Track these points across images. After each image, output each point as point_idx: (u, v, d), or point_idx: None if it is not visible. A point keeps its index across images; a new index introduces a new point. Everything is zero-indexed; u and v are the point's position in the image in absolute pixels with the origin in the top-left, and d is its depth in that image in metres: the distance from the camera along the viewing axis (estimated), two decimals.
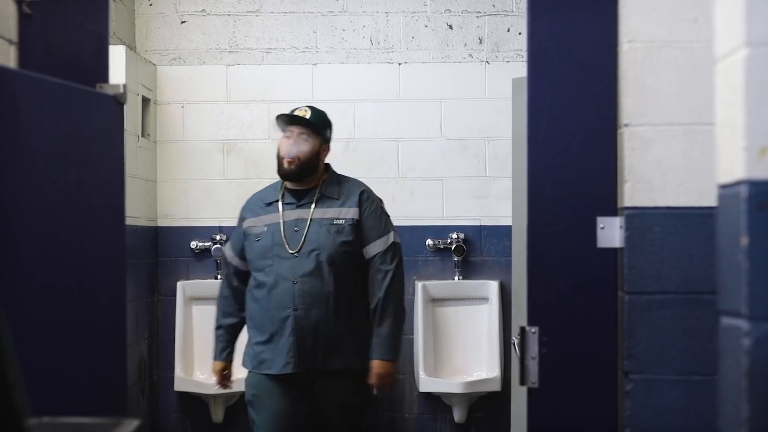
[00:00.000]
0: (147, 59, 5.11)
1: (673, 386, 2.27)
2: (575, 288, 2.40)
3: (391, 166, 5.16)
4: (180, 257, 5.17)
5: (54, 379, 2.17)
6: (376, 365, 3.51)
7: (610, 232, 2.37)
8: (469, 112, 5.14)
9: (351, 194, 3.58)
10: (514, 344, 3.16)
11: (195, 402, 5.07)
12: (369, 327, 3.55)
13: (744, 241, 1.49)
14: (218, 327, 3.72)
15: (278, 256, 3.50)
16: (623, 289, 2.31)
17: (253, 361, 3.56)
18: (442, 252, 5.13)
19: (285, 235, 3.51)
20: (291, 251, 3.49)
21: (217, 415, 5.01)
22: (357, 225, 3.53)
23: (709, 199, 2.20)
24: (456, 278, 5.10)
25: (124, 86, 2.55)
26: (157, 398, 5.16)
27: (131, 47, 5.03)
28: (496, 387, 4.87)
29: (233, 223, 3.86)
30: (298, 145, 3.54)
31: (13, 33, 2.34)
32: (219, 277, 4.93)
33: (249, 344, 3.60)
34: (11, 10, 2.33)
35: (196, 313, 5.03)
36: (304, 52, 5.21)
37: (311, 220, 3.53)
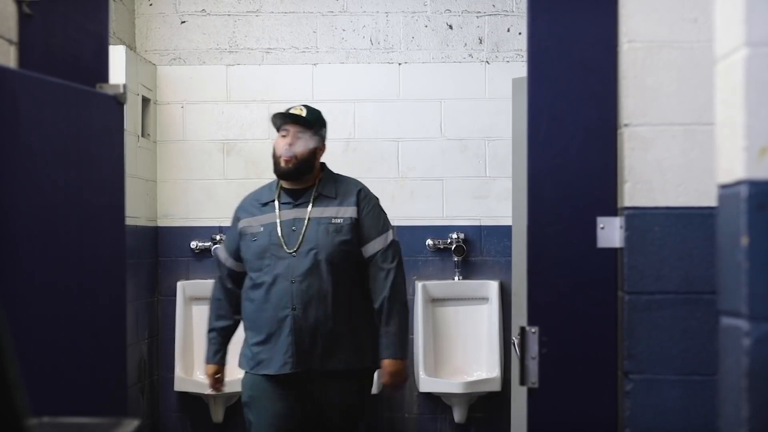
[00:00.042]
0: (147, 59, 5.11)
1: (673, 386, 2.27)
2: (575, 288, 2.40)
3: (391, 166, 5.16)
4: (180, 257, 5.17)
5: (54, 379, 2.17)
6: (388, 364, 3.50)
7: (610, 232, 2.37)
8: (469, 112, 5.14)
9: (348, 193, 3.57)
10: (514, 344, 3.16)
11: (195, 402, 5.07)
12: (368, 326, 3.54)
13: (744, 241, 1.49)
14: (211, 330, 3.68)
15: (276, 255, 3.48)
16: (623, 289, 2.31)
17: (250, 362, 3.53)
18: (442, 252, 5.13)
19: (282, 235, 3.50)
20: (289, 251, 3.47)
21: (217, 415, 5.01)
22: (355, 224, 3.52)
23: (709, 199, 2.20)
24: (456, 278, 5.10)
25: (124, 86, 2.55)
26: (157, 398, 5.16)
27: (131, 47, 5.04)
28: (496, 387, 4.87)
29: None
30: (295, 144, 3.52)
31: (13, 33, 2.34)
32: None
33: (246, 345, 3.57)
34: (11, 10, 2.33)
35: (196, 313, 5.03)
36: (304, 52, 5.21)
37: (309, 219, 3.51)
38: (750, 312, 1.48)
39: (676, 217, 2.27)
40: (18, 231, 2.06)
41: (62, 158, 2.26)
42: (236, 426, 5.05)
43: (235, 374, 3.82)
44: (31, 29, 2.38)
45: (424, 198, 5.15)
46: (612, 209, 2.38)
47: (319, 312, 3.44)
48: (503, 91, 4.94)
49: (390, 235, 3.56)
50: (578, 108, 2.41)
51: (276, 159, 3.55)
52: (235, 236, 3.63)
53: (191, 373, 4.98)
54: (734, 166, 1.54)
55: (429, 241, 5.12)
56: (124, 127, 2.67)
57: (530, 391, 2.42)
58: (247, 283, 3.57)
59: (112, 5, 3.94)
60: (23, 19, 2.36)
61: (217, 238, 5.04)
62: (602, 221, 2.38)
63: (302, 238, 3.48)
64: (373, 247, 3.52)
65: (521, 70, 3.15)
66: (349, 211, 3.53)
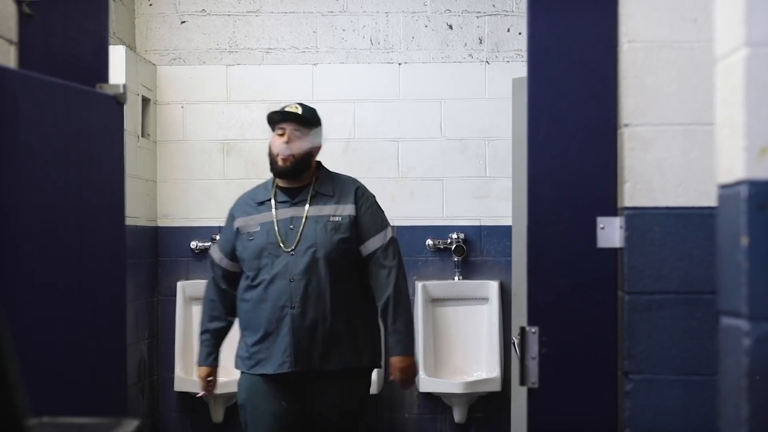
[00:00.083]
0: (147, 59, 5.11)
1: (673, 386, 2.27)
2: (575, 288, 2.40)
3: (391, 166, 5.16)
4: (180, 257, 5.17)
5: (54, 379, 2.16)
6: (399, 361, 3.51)
7: (610, 232, 2.37)
8: (469, 112, 5.14)
9: (345, 191, 3.56)
10: (514, 344, 3.16)
11: (195, 402, 5.07)
12: (367, 326, 3.53)
13: (744, 241, 1.49)
14: (204, 331, 3.64)
15: (273, 254, 3.46)
16: (623, 289, 2.31)
17: (247, 362, 3.50)
18: (442, 252, 5.13)
19: (280, 233, 3.48)
20: (287, 249, 3.45)
21: (217, 415, 5.01)
22: (354, 221, 3.51)
23: (709, 199, 2.20)
24: (456, 278, 5.10)
25: (124, 86, 2.54)
26: (157, 398, 5.16)
27: (131, 47, 5.04)
28: (496, 387, 4.88)
29: None
30: (292, 142, 3.50)
31: (13, 33, 2.34)
32: None
33: (242, 346, 3.54)
34: (11, 10, 2.33)
35: (196, 313, 5.01)
36: (304, 52, 5.21)
37: (306, 217, 3.49)
38: (750, 312, 1.48)
39: (676, 217, 2.27)
40: (18, 231, 2.06)
41: (62, 158, 2.26)
42: (236, 426, 5.03)
43: (233, 374, 3.80)
44: (31, 29, 2.38)
45: (424, 198, 5.15)
46: (612, 209, 2.38)
47: (318, 311, 3.43)
48: (503, 91, 4.94)
49: (389, 232, 3.55)
50: (578, 108, 2.41)
51: (273, 157, 3.53)
52: (230, 236, 3.60)
53: (191, 373, 4.97)
54: (734, 166, 1.54)
55: (429, 241, 5.12)
56: (124, 127, 2.67)
57: (530, 391, 2.42)
58: (243, 283, 3.54)
59: (112, 5, 3.94)
60: (23, 19, 2.36)
61: (217, 238, 5.04)
62: (602, 221, 2.38)
63: (300, 237, 3.47)
64: (373, 244, 3.51)
65: (521, 70, 3.15)
66: (347, 209, 3.52)
